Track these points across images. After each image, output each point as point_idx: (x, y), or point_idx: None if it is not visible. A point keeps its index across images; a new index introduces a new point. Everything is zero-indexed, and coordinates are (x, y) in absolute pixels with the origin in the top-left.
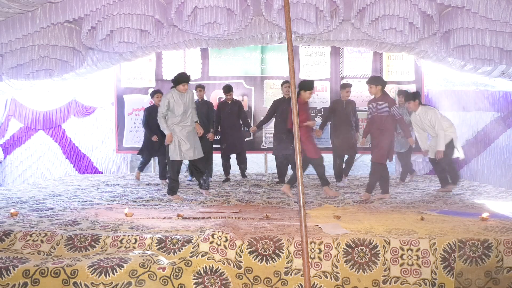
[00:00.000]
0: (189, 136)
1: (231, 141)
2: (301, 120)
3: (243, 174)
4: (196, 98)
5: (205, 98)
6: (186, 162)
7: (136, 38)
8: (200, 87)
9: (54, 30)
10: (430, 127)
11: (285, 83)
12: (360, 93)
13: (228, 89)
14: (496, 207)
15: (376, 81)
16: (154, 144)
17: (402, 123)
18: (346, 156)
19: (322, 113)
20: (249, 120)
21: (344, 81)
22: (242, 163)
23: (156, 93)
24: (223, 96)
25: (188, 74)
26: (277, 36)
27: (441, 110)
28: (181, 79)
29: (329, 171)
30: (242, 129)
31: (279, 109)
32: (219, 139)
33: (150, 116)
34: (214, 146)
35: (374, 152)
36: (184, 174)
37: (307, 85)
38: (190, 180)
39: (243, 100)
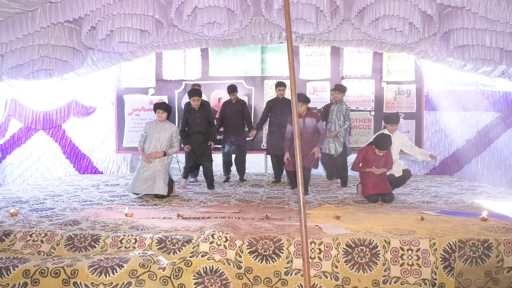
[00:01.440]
0: (150, 169)
1: (233, 141)
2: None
3: (241, 179)
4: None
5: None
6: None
7: (136, 38)
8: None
9: (54, 30)
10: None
11: (279, 85)
12: (360, 93)
13: (232, 89)
14: (496, 207)
15: (306, 99)
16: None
17: (323, 138)
18: None
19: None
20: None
21: (344, 81)
22: (240, 166)
23: (194, 95)
24: (224, 96)
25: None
26: (277, 36)
27: (441, 110)
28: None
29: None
30: (245, 129)
31: (273, 109)
32: (221, 139)
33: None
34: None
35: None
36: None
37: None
38: (191, 182)
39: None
